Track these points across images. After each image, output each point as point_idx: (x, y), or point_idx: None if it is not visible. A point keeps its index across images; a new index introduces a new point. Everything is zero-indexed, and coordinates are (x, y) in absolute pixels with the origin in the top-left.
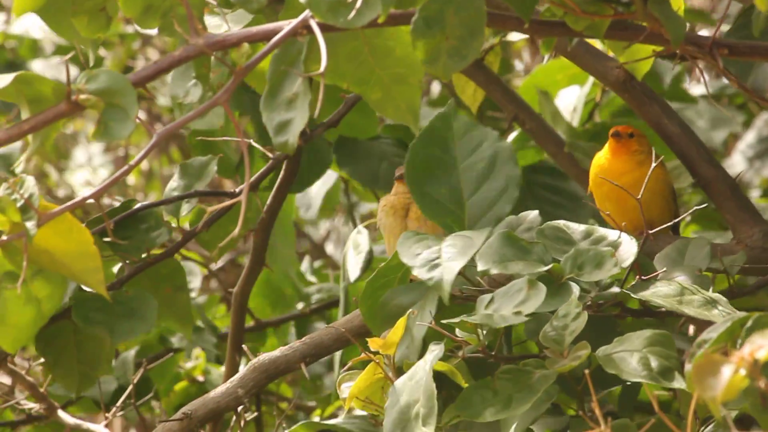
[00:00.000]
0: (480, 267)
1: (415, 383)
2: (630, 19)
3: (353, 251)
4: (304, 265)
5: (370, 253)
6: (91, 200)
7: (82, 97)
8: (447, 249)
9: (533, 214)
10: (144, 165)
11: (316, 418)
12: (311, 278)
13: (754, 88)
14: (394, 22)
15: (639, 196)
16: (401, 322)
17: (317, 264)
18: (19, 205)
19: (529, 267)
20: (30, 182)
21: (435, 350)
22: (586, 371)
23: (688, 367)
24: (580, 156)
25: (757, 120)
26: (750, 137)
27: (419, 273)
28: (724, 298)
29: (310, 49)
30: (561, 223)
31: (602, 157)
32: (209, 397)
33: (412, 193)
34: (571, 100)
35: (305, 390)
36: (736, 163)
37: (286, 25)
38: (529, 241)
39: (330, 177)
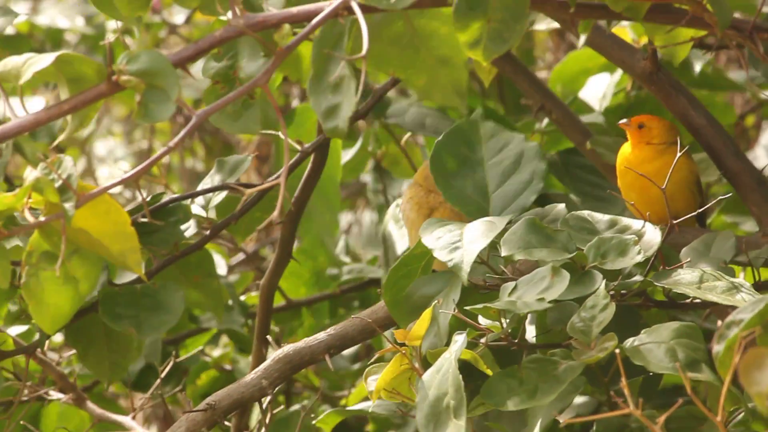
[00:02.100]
0: (504, 252)
1: (442, 376)
2: (671, 2)
3: (394, 225)
4: (339, 246)
5: None
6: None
7: (123, 77)
8: (468, 233)
9: (560, 207)
10: (164, 159)
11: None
12: (345, 258)
13: None
14: (436, 4)
15: (663, 186)
16: (427, 314)
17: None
18: (57, 185)
19: (553, 254)
20: (68, 162)
21: (459, 341)
22: (617, 351)
23: (716, 348)
24: (603, 151)
25: None
26: None
27: (440, 255)
28: (748, 284)
29: (352, 32)
30: (585, 213)
31: (626, 146)
32: (233, 387)
33: (437, 183)
34: (600, 88)
35: (331, 382)
36: (758, 157)
37: (327, 6)
38: (554, 229)
39: (350, 151)
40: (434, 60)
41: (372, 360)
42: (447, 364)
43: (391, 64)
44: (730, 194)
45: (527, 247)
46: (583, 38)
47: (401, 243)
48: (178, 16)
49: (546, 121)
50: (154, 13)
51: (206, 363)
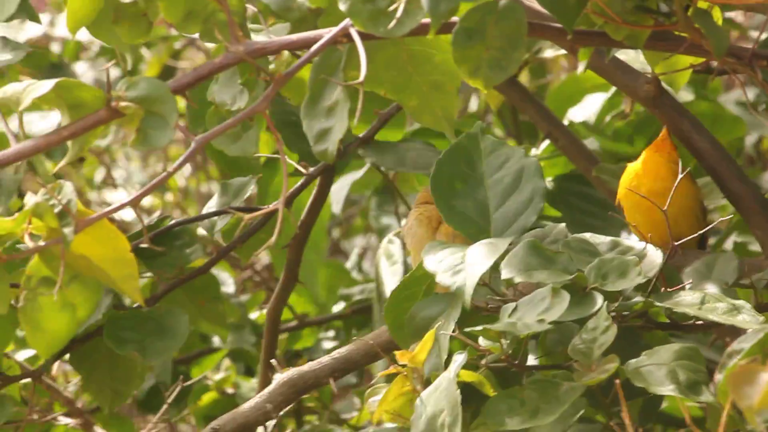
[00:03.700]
0: (504, 275)
1: (440, 393)
2: (670, 29)
3: (386, 261)
4: (351, 262)
5: (405, 263)
6: (129, 207)
7: (122, 104)
8: (470, 255)
9: (560, 227)
10: (181, 182)
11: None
12: (357, 276)
13: None
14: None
15: (665, 208)
16: (429, 335)
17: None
18: (56, 210)
19: (554, 276)
20: (68, 188)
21: (458, 359)
22: (617, 381)
23: (718, 377)
24: (608, 178)
25: None
26: None
27: (442, 278)
28: (749, 305)
29: (350, 57)
30: (587, 235)
31: (635, 165)
32: (238, 411)
33: (437, 205)
34: (596, 105)
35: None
36: None
37: (326, 33)
38: (555, 251)
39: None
40: (427, 85)
41: (373, 382)
42: (445, 382)
43: (384, 86)
44: (732, 216)
45: (527, 269)
46: (581, 65)
47: (392, 281)
48: None
49: (542, 146)
50: (170, 26)
51: (207, 385)
